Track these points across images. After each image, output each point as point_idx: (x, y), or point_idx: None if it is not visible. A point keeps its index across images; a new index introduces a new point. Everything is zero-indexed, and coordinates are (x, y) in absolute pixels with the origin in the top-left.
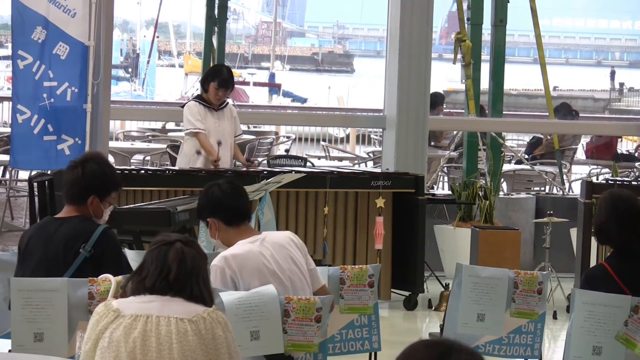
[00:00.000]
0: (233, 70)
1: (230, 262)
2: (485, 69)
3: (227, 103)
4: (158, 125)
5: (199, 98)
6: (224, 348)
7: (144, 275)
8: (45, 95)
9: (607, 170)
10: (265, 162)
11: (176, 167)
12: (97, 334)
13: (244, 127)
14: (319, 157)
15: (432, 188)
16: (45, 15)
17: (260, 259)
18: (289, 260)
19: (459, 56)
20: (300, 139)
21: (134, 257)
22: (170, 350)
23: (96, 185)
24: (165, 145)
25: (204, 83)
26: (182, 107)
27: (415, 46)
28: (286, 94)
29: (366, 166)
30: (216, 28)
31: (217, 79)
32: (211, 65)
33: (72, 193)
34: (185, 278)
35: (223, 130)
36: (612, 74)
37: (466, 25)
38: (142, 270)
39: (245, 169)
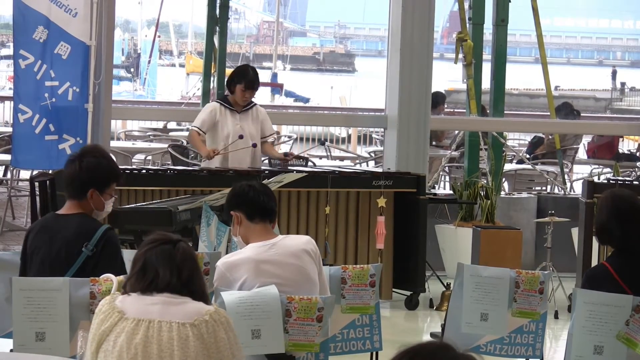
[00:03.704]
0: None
1: (225, 269)
2: (486, 69)
3: (254, 105)
4: (159, 124)
5: (223, 99)
6: (226, 350)
7: (153, 275)
8: (46, 94)
9: (608, 170)
10: (266, 161)
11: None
12: (100, 334)
13: None
14: (321, 157)
15: (434, 188)
16: (46, 14)
17: (257, 267)
18: (295, 271)
19: (461, 56)
20: (302, 139)
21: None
22: (171, 356)
23: (94, 178)
24: (166, 145)
25: (230, 84)
26: None
27: (416, 46)
28: (288, 94)
29: (367, 166)
30: (217, 28)
31: (244, 81)
32: (212, 65)
33: (71, 188)
34: (195, 277)
35: (244, 132)
36: (614, 73)
37: (467, 24)
38: (146, 269)
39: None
